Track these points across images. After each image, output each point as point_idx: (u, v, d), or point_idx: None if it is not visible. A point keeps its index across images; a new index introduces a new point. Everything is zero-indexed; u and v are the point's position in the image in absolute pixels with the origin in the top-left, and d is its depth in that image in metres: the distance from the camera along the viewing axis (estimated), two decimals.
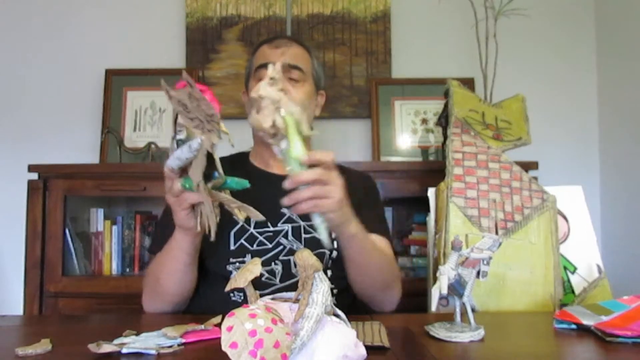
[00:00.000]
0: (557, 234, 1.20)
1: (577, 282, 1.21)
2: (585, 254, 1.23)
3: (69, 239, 1.75)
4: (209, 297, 1.05)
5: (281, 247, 1.07)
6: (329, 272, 1.08)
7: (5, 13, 2.07)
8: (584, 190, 1.30)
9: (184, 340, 0.72)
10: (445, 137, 1.51)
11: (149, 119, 1.99)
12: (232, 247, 1.06)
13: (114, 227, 1.82)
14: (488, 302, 1.13)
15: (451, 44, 2.09)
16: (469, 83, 1.99)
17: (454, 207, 1.22)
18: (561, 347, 0.77)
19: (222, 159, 1.28)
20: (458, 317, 0.81)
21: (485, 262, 0.81)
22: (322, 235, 0.84)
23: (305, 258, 0.59)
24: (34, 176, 1.70)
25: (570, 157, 2.08)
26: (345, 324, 0.62)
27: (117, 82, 2.01)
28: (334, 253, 1.09)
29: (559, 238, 1.20)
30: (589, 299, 1.15)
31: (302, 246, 1.07)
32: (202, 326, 0.78)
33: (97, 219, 1.83)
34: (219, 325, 0.78)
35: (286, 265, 1.05)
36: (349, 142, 2.08)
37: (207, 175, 0.79)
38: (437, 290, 0.76)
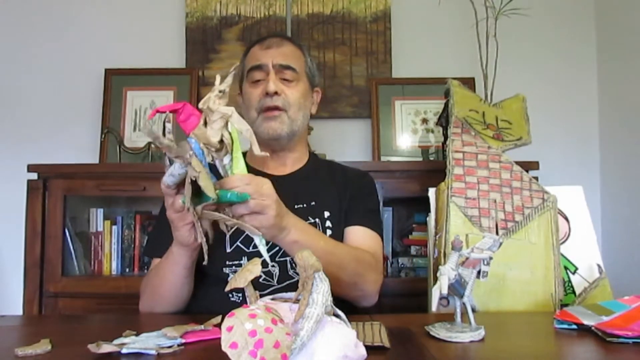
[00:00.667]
0: (557, 234, 1.20)
1: (578, 282, 1.21)
2: (585, 254, 1.23)
3: (69, 239, 1.75)
4: (207, 298, 1.05)
5: (277, 248, 1.06)
6: None
7: (5, 13, 2.07)
8: (585, 190, 1.30)
9: (183, 341, 0.72)
10: (445, 137, 1.51)
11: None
12: (229, 250, 1.06)
13: (114, 227, 1.82)
14: (488, 302, 1.13)
15: (451, 44, 2.09)
16: (469, 83, 1.99)
17: (454, 207, 1.21)
18: (561, 347, 0.77)
19: None
20: (458, 317, 0.81)
21: (485, 262, 0.81)
22: (261, 249, 0.84)
23: (305, 258, 0.59)
24: (34, 176, 1.70)
25: (570, 157, 2.08)
26: (345, 324, 0.62)
27: (117, 81, 2.01)
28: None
29: (559, 238, 1.20)
30: (589, 299, 1.15)
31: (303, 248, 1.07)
32: (202, 326, 0.78)
33: (97, 219, 1.83)
34: (219, 325, 0.78)
35: (283, 266, 1.05)
36: (349, 142, 2.08)
37: (199, 196, 0.77)
38: (438, 291, 0.76)
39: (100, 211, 1.84)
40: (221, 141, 0.78)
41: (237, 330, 0.51)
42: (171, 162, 0.78)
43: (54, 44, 2.07)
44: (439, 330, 0.77)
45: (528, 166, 1.54)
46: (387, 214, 1.95)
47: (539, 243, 1.18)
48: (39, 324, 0.81)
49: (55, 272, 1.66)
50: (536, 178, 1.30)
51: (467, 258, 0.80)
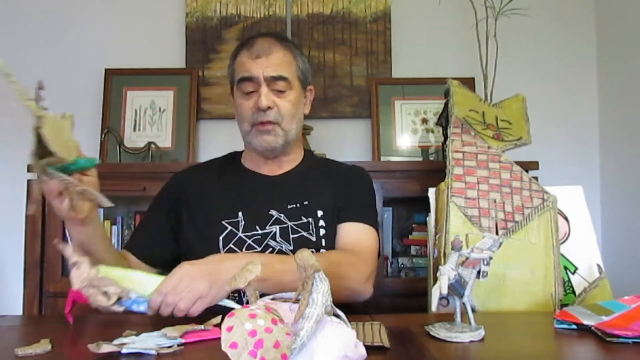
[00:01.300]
0: (557, 234, 1.20)
1: (578, 282, 1.21)
2: (585, 254, 1.23)
3: (69, 239, 1.75)
4: None
5: (270, 249, 1.07)
6: None
7: (5, 13, 2.07)
8: (584, 190, 1.30)
9: (183, 341, 0.72)
10: (445, 137, 1.51)
11: (149, 119, 1.99)
12: (222, 252, 1.06)
13: (114, 227, 1.82)
14: (488, 302, 1.13)
15: (451, 44, 2.09)
16: (469, 83, 1.99)
17: (454, 207, 1.21)
18: (561, 347, 0.77)
19: (215, 160, 1.29)
20: (458, 317, 0.81)
21: (485, 262, 0.81)
22: (229, 304, 0.87)
23: (305, 258, 0.59)
24: (34, 176, 1.70)
25: (570, 157, 2.08)
26: (345, 324, 0.62)
27: (117, 81, 2.01)
28: (322, 251, 1.09)
29: (559, 238, 1.20)
30: (589, 299, 1.15)
31: (290, 247, 1.07)
32: (202, 326, 0.78)
33: None
34: (219, 325, 0.78)
35: None
36: (349, 142, 2.08)
37: (44, 156, 0.77)
38: (438, 291, 0.76)
39: (100, 211, 1.83)
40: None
41: (237, 330, 0.51)
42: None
43: (54, 44, 2.07)
44: (439, 330, 0.77)
45: (528, 166, 1.54)
46: (387, 214, 1.95)
47: (539, 243, 1.18)
48: (39, 324, 0.81)
49: (55, 272, 1.66)
50: (536, 178, 1.30)
51: (467, 258, 0.80)
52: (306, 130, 1.82)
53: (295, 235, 1.08)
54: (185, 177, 1.22)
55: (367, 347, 0.63)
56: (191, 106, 1.99)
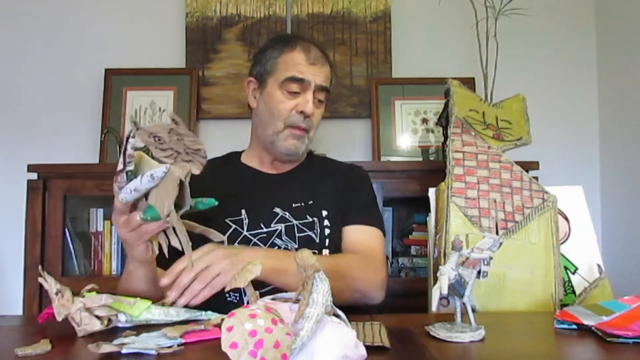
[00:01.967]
0: (557, 234, 1.20)
1: (578, 282, 1.21)
2: (585, 253, 1.23)
3: (69, 238, 1.75)
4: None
5: (275, 247, 1.06)
6: None
7: (5, 13, 2.07)
8: (585, 190, 1.30)
9: (183, 341, 0.72)
10: (445, 137, 1.51)
11: (149, 119, 1.99)
12: None
13: (114, 227, 1.82)
14: (488, 302, 1.13)
15: (451, 44, 2.09)
16: (469, 83, 1.99)
17: (454, 207, 1.21)
18: (561, 347, 0.77)
19: (214, 160, 1.29)
20: (458, 318, 0.81)
21: (485, 262, 0.81)
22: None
23: (305, 258, 0.59)
24: (34, 176, 1.70)
25: (570, 157, 2.08)
26: (346, 324, 0.62)
27: (117, 81, 2.01)
28: (325, 252, 1.09)
29: (559, 238, 1.20)
30: (589, 299, 1.15)
31: (296, 245, 1.07)
32: (202, 326, 0.78)
33: (97, 219, 1.83)
34: (219, 325, 0.78)
35: None
36: (349, 142, 2.08)
37: (176, 205, 0.77)
38: (438, 291, 0.76)
39: (100, 211, 1.84)
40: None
41: (237, 330, 0.51)
42: (128, 177, 0.76)
43: (54, 44, 2.07)
44: (439, 331, 0.77)
45: (528, 166, 1.54)
46: (387, 214, 1.95)
47: (539, 243, 1.18)
48: (39, 324, 0.81)
49: (55, 272, 1.66)
50: (536, 178, 1.30)
51: (467, 258, 0.80)
52: None
53: (301, 234, 1.08)
54: None
55: (367, 347, 0.63)
56: (191, 106, 1.99)
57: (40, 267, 0.81)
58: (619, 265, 1.85)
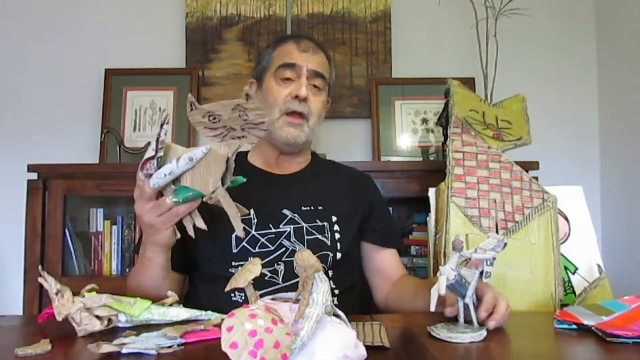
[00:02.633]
0: (557, 234, 1.20)
1: (578, 282, 1.21)
2: (585, 253, 1.23)
3: (69, 239, 1.75)
4: (210, 299, 1.05)
5: (283, 249, 1.06)
6: (331, 273, 1.08)
7: (5, 13, 2.07)
8: (584, 190, 1.30)
9: (183, 341, 0.72)
10: (445, 137, 1.51)
11: (149, 119, 1.99)
12: (235, 250, 1.05)
13: (114, 227, 1.82)
14: None
15: (451, 44, 2.09)
16: (469, 83, 1.99)
17: (454, 207, 1.21)
18: (561, 347, 0.77)
19: None
20: (461, 318, 0.80)
21: (488, 262, 0.81)
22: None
23: (305, 258, 0.59)
24: (34, 176, 1.70)
25: (570, 157, 2.08)
26: (346, 324, 0.62)
27: (117, 81, 2.01)
28: (338, 255, 1.09)
29: (559, 238, 1.20)
30: (589, 299, 1.15)
31: (304, 248, 1.07)
32: (202, 326, 0.78)
33: (97, 219, 1.83)
34: (219, 325, 0.78)
35: (289, 266, 1.05)
36: (349, 142, 2.08)
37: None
38: (436, 292, 0.76)
39: (100, 211, 1.84)
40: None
41: (237, 330, 0.51)
42: (158, 163, 0.79)
43: (54, 44, 2.07)
44: (440, 331, 0.77)
45: (528, 166, 1.54)
46: None
47: (539, 243, 1.18)
48: (39, 324, 0.81)
49: (55, 272, 1.66)
50: (536, 178, 1.30)
51: (468, 259, 0.80)
52: None
53: (310, 237, 1.08)
54: None
55: (367, 347, 0.63)
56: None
57: (40, 267, 0.81)
58: (619, 265, 1.85)
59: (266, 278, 1.03)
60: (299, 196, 1.13)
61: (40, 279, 0.78)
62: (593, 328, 0.78)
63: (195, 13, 2.06)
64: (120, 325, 0.80)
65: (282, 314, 0.57)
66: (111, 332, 0.77)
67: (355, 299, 1.14)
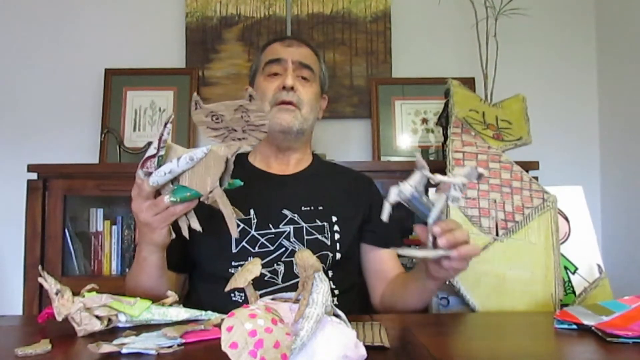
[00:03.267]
0: (557, 234, 1.20)
1: (578, 282, 1.21)
2: (585, 253, 1.23)
3: (69, 239, 1.75)
4: (210, 298, 1.05)
5: (283, 249, 1.06)
6: (331, 274, 1.08)
7: (5, 13, 2.07)
8: (585, 190, 1.30)
9: (184, 341, 0.72)
10: (445, 137, 1.51)
11: (149, 119, 1.99)
12: (234, 250, 1.05)
13: (114, 227, 1.82)
14: (488, 302, 1.13)
15: (451, 44, 2.09)
16: (469, 83, 1.99)
17: (454, 206, 1.21)
18: (561, 347, 0.77)
19: None
20: (430, 243, 0.83)
21: (457, 187, 0.81)
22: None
23: (305, 258, 0.59)
24: (34, 176, 1.70)
25: (570, 157, 2.08)
26: (346, 324, 0.62)
27: (117, 81, 2.01)
28: (338, 255, 1.09)
29: (559, 238, 1.20)
30: (589, 299, 1.15)
31: (304, 248, 1.06)
32: (202, 326, 0.78)
33: (97, 219, 1.83)
34: (219, 325, 0.78)
35: (289, 266, 1.05)
36: (349, 142, 2.08)
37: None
38: (387, 202, 0.77)
39: (100, 211, 1.84)
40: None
41: (237, 330, 0.51)
42: (159, 162, 0.79)
43: (54, 44, 2.07)
44: (403, 250, 0.78)
45: (528, 166, 1.54)
46: None
47: (539, 243, 1.18)
48: (39, 324, 0.81)
49: (55, 272, 1.66)
50: (536, 178, 1.30)
51: (439, 183, 0.81)
52: None
53: (310, 237, 1.08)
54: None
55: (367, 347, 0.63)
56: (191, 106, 1.99)
57: (40, 267, 0.81)
58: (619, 265, 1.85)
59: (266, 278, 1.03)
60: (299, 196, 1.13)
61: (40, 279, 0.78)
62: (593, 328, 0.78)
63: (195, 13, 2.06)
64: (120, 325, 0.80)
65: (282, 314, 0.57)
66: (111, 332, 0.77)
67: (355, 299, 1.14)
